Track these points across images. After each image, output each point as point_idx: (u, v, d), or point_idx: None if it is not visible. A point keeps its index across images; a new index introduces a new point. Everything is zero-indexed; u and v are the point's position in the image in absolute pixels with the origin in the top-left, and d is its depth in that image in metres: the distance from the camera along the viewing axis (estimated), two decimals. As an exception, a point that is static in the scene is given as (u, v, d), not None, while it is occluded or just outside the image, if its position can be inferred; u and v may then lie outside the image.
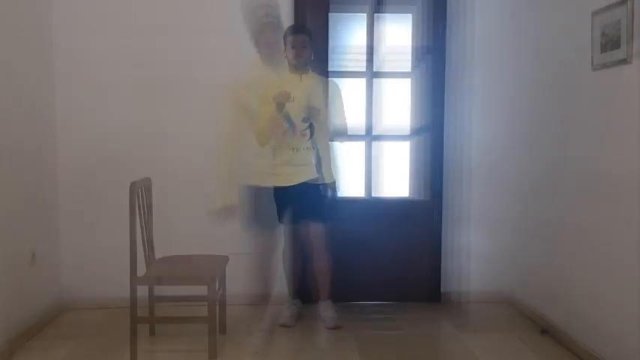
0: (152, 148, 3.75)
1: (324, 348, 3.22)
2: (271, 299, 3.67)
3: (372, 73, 3.91)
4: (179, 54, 3.73)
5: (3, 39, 3.05)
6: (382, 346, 3.20)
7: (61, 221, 3.74)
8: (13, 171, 3.15)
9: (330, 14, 3.82)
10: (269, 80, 3.44)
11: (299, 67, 3.41)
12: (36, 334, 3.32)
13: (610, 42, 2.73)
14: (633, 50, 2.57)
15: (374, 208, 3.94)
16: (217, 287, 3.07)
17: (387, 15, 3.97)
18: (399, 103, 4.03)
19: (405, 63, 4.01)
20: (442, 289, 3.95)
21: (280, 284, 3.66)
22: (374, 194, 3.96)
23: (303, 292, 3.66)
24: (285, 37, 3.43)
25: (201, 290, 2.95)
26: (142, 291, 3.00)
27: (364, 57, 3.91)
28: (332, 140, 3.54)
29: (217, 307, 3.09)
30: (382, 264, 3.89)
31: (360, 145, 3.93)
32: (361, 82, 3.92)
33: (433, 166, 3.90)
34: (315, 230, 3.47)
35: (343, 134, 3.60)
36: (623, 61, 2.64)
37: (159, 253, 3.20)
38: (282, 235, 3.58)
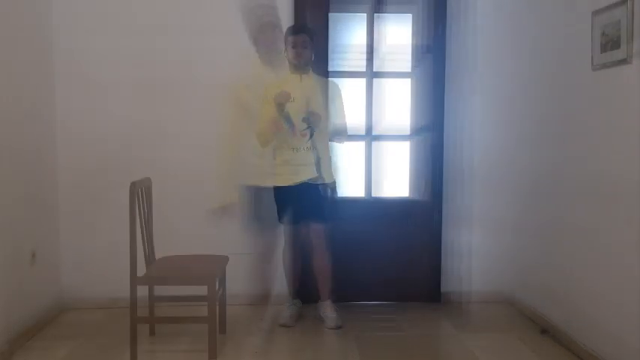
0: (152, 148, 3.75)
1: (324, 348, 3.22)
2: (271, 299, 3.68)
3: (372, 73, 3.91)
4: (179, 54, 3.73)
5: (3, 39, 3.05)
6: (382, 346, 3.20)
7: (61, 221, 3.74)
8: (13, 171, 3.15)
9: (330, 14, 3.82)
10: (269, 80, 3.44)
11: (299, 67, 3.41)
12: (36, 334, 3.32)
13: (610, 42, 2.73)
14: (633, 50, 2.57)
15: (374, 208, 3.94)
16: (217, 287, 3.07)
17: (387, 15, 3.97)
18: (399, 103, 4.03)
19: (405, 63, 4.01)
20: (442, 289, 3.95)
21: (280, 284, 3.66)
22: (374, 194, 3.96)
23: (303, 292, 3.66)
24: (285, 37, 3.43)
25: (201, 290, 2.95)
26: (142, 291, 3.00)
27: (364, 57, 3.90)
28: (332, 141, 3.54)
29: (217, 307, 3.09)
30: (382, 264, 3.89)
31: (360, 145, 3.93)
32: (361, 82, 3.92)
33: (433, 166, 3.90)
34: (315, 230, 3.47)
35: (343, 135, 3.60)
36: (623, 61, 2.64)
37: (159, 253, 3.20)
38: (282, 235, 3.58)
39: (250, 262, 3.63)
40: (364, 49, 3.90)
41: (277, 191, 3.46)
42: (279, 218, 3.49)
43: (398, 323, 3.57)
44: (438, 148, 3.89)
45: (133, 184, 2.90)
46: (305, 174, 3.39)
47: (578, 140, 3.09)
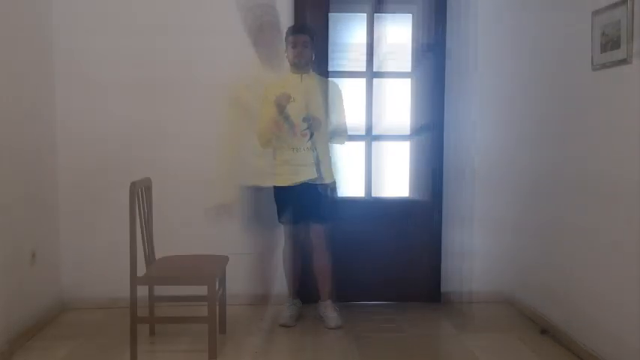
0: (152, 148, 3.75)
1: (324, 348, 3.22)
2: (271, 299, 3.68)
3: (372, 73, 3.91)
4: (179, 54, 3.73)
5: (3, 39, 3.05)
6: (382, 346, 3.20)
7: (61, 221, 3.74)
8: (13, 171, 3.15)
9: (330, 14, 3.82)
10: (269, 80, 3.44)
11: (300, 66, 3.41)
12: (36, 334, 3.32)
13: (610, 42, 2.73)
14: (633, 50, 2.57)
15: (374, 208, 3.94)
16: (217, 287, 3.07)
17: (387, 15, 3.97)
18: (399, 103, 4.03)
19: (405, 63, 4.01)
20: (442, 289, 3.95)
21: (280, 284, 3.66)
22: (374, 194, 3.96)
23: (303, 292, 3.66)
24: (286, 37, 3.43)
25: (201, 290, 2.95)
26: (142, 291, 3.00)
27: (364, 57, 3.90)
28: (331, 143, 3.54)
29: (217, 307, 3.09)
30: (382, 264, 3.89)
31: (360, 145, 3.93)
32: (361, 82, 3.92)
33: (433, 166, 3.90)
34: (316, 230, 3.47)
35: (343, 135, 3.59)
36: (623, 61, 2.63)
37: (159, 253, 3.20)
38: (282, 235, 3.58)
39: (250, 262, 3.63)
40: (364, 49, 3.90)
41: (277, 191, 3.46)
42: (279, 218, 3.49)
43: (398, 323, 3.57)
44: (437, 148, 3.89)
45: (133, 184, 2.90)
46: (305, 174, 3.39)
47: (578, 140, 3.09)
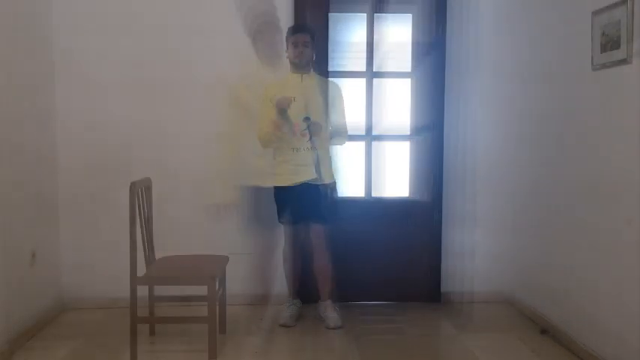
0: (152, 148, 3.75)
1: (324, 348, 3.22)
2: (271, 299, 3.68)
3: (372, 73, 3.91)
4: (179, 54, 3.73)
5: (3, 39, 3.05)
6: (382, 346, 3.20)
7: (61, 221, 3.74)
8: (13, 171, 3.15)
9: (330, 14, 3.82)
10: (269, 80, 3.44)
11: (300, 66, 3.41)
12: (36, 334, 3.32)
13: (610, 42, 2.73)
14: (633, 50, 2.57)
15: (374, 208, 3.94)
16: (217, 287, 3.07)
17: (387, 15, 3.97)
18: (399, 103, 4.03)
19: (405, 63, 4.01)
20: (442, 289, 3.95)
21: (280, 284, 3.66)
22: (374, 194, 3.96)
23: (303, 292, 3.66)
24: (287, 37, 3.43)
25: (201, 290, 2.95)
26: (142, 291, 2.99)
27: (364, 57, 3.90)
28: (332, 142, 3.54)
29: (217, 307, 3.09)
30: (382, 264, 3.89)
31: (360, 145, 3.93)
32: (361, 82, 3.92)
33: (433, 166, 3.90)
34: (316, 230, 3.47)
35: (343, 136, 3.59)
36: (623, 61, 2.63)
37: (159, 253, 3.20)
38: (282, 235, 3.58)
39: (250, 262, 3.63)
40: (364, 49, 3.90)
41: (277, 191, 3.46)
42: (279, 218, 3.49)
43: (398, 323, 3.57)
44: (437, 148, 3.89)
45: (133, 184, 2.90)
46: (305, 174, 3.39)
47: (578, 140, 3.09)
